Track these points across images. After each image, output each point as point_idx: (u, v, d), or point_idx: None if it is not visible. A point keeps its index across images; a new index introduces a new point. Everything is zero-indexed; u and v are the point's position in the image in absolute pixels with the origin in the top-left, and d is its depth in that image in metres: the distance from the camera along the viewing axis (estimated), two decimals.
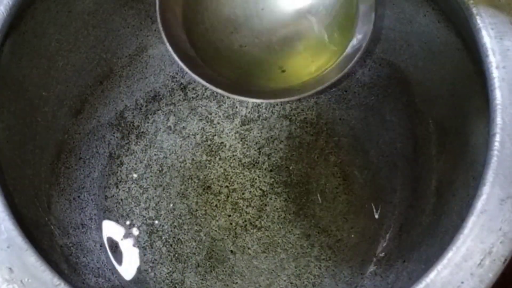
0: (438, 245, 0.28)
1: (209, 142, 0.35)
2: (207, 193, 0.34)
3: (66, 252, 0.31)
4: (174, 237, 0.34)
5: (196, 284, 0.33)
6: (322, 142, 0.35)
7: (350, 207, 0.34)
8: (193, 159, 0.35)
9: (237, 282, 0.33)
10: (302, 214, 0.34)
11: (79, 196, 0.34)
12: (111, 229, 0.34)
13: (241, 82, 0.27)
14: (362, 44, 0.26)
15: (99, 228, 0.34)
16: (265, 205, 0.34)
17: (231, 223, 0.34)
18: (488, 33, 0.26)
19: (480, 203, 0.24)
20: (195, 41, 0.27)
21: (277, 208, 0.34)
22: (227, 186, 0.35)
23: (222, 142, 0.35)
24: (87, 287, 0.31)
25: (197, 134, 0.36)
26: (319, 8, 0.27)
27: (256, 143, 0.33)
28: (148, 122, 0.36)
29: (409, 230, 0.32)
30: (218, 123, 0.36)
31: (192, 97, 0.36)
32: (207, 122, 0.36)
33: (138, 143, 0.35)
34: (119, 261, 0.33)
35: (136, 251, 0.33)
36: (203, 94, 0.36)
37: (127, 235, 0.34)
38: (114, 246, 0.33)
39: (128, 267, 0.33)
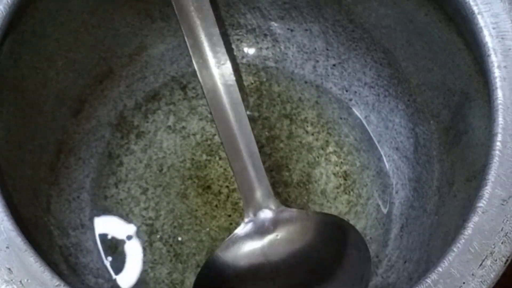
0: (440, 245, 0.28)
1: (209, 142, 0.35)
2: (207, 193, 0.34)
3: (65, 252, 0.31)
4: (174, 237, 0.34)
5: None
6: (322, 142, 0.35)
7: (351, 207, 0.34)
8: (193, 159, 0.35)
9: None
10: None
11: (78, 196, 0.34)
12: (110, 229, 0.34)
13: None
14: None
15: (98, 228, 0.34)
16: None
17: (231, 223, 0.34)
18: (490, 32, 0.26)
19: (481, 204, 0.24)
20: None
21: None
22: (227, 186, 0.34)
23: (222, 142, 0.35)
24: (87, 287, 0.31)
25: (197, 134, 0.35)
26: None
27: (257, 142, 0.32)
28: (147, 122, 0.36)
29: (411, 230, 0.32)
30: None
31: (192, 97, 0.36)
32: (207, 121, 0.36)
33: (138, 143, 0.35)
34: (119, 261, 0.33)
35: (135, 251, 0.33)
36: (203, 94, 0.36)
37: (127, 235, 0.34)
38: (114, 247, 0.33)
39: (128, 268, 0.33)
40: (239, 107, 0.31)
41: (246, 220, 0.31)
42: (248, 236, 0.31)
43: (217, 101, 0.31)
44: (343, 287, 0.29)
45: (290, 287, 0.30)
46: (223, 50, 0.32)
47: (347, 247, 0.30)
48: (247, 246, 0.31)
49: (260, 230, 0.31)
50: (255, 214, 0.31)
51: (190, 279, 0.33)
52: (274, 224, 0.31)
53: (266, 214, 0.31)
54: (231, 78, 0.31)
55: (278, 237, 0.31)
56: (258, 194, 0.31)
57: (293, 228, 0.31)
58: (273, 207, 0.31)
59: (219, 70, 0.31)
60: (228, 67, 0.31)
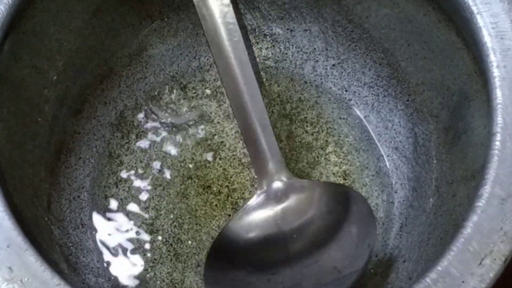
0: (439, 244, 0.28)
1: (209, 142, 0.35)
2: (207, 192, 0.34)
3: (66, 251, 0.31)
4: (174, 237, 0.34)
5: (196, 284, 0.33)
6: (322, 142, 0.35)
7: None
8: (193, 159, 0.35)
9: None
10: None
11: (79, 196, 0.34)
12: (110, 229, 0.34)
13: None
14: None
15: (99, 228, 0.34)
16: None
17: None
18: (489, 32, 0.26)
19: (480, 203, 0.24)
20: None
21: None
22: (227, 186, 0.35)
23: (222, 142, 0.35)
24: (87, 287, 0.31)
25: (197, 134, 0.35)
26: None
27: None
28: (147, 122, 0.36)
29: (410, 230, 0.32)
30: (218, 122, 0.36)
31: (192, 97, 0.36)
32: (207, 121, 0.36)
33: (138, 143, 0.35)
34: (119, 261, 0.33)
35: (135, 251, 0.33)
36: (203, 94, 0.36)
37: (127, 235, 0.34)
38: (114, 246, 0.33)
39: (128, 267, 0.33)
40: (252, 82, 0.32)
41: (258, 191, 0.32)
42: (261, 206, 0.32)
43: (230, 75, 0.32)
44: (349, 253, 0.30)
45: (301, 254, 0.31)
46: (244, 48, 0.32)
47: (355, 215, 0.30)
48: (260, 216, 0.31)
49: (273, 201, 0.32)
50: (268, 186, 0.32)
51: (190, 278, 0.33)
52: (286, 195, 0.32)
53: (278, 185, 0.32)
54: (245, 54, 0.32)
55: (290, 206, 0.31)
56: (271, 165, 0.32)
57: (305, 197, 0.32)
58: (285, 179, 0.32)
59: (233, 50, 0.32)
60: (242, 46, 0.32)
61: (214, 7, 0.32)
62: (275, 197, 0.32)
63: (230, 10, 0.32)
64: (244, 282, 0.30)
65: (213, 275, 0.30)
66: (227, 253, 0.30)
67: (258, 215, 0.31)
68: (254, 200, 0.32)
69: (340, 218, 0.31)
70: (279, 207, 0.32)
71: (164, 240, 0.34)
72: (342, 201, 0.31)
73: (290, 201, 0.32)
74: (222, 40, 0.31)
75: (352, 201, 0.31)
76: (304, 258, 0.31)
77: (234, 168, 0.35)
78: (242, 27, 0.36)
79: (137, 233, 0.34)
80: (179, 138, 0.35)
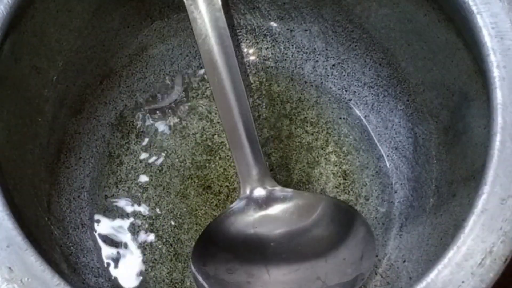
0: (439, 244, 0.28)
1: (209, 142, 0.35)
2: (207, 192, 0.34)
3: (66, 252, 0.31)
4: (174, 237, 0.34)
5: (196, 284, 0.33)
6: (322, 142, 0.35)
7: None
8: (193, 159, 0.35)
9: None
10: None
11: (79, 196, 0.34)
12: (110, 229, 0.34)
13: None
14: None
15: (99, 228, 0.34)
16: None
17: None
18: (489, 32, 0.26)
19: (480, 203, 0.24)
20: None
21: None
22: (227, 186, 0.35)
23: (222, 142, 0.35)
24: (87, 287, 0.31)
25: (197, 134, 0.36)
26: None
27: None
28: (147, 122, 0.36)
29: (410, 230, 0.32)
30: (218, 122, 0.36)
31: (192, 97, 0.36)
32: (207, 121, 0.36)
33: (138, 143, 0.35)
34: (119, 261, 0.33)
35: (135, 251, 0.33)
36: (203, 94, 0.36)
37: (127, 235, 0.34)
38: (114, 246, 0.33)
39: (128, 267, 0.33)
40: (239, 88, 0.32)
41: (241, 196, 0.32)
42: (241, 211, 0.32)
43: (218, 79, 0.32)
44: (335, 267, 0.30)
45: (280, 261, 0.31)
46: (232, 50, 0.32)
47: (343, 228, 0.31)
48: (239, 221, 0.32)
49: (253, 207, 0.32)
50: (250, 192, 0.32)
51: (190, 278, 0.33)
52: (267, 203, 0.32)
53: (261, 192, 0.32)
54: (234, 60, 0.32)
55: (270, 215, 0.32)
56: (254, 172, 0.32)
57: (286, 207, 0.32)
58: (268, 187, 0.32)
59: (223, 55, 0.32)
60: (232, 52, 0.32)
61: (205, 11, 0.31)
62: (256, 204, 0.32)
63: (221, 15, 0.32)
64: (225, 282, 0.30)
65: (198, 270, 0.30)
66: (209, 252, 0.31)
67: (237, 219, 0.32)
68: (235, 204, 0.32)
69: (327, 232, 0.31)
70: (258, 214, 0.32)
71: (164, 240, 0.34)
72: (333, 215, 0.31)
73: (271, 210, 0.32)
74: (212, 45, 0.31)
75: (340, 213, 0.31)
76: (283, 266, 0.31)
77: (234, 168, 0.35)
78: (242, 27, 0.37)
79: (137, 233, 0.34)
80: (179, 138, 0.35)
